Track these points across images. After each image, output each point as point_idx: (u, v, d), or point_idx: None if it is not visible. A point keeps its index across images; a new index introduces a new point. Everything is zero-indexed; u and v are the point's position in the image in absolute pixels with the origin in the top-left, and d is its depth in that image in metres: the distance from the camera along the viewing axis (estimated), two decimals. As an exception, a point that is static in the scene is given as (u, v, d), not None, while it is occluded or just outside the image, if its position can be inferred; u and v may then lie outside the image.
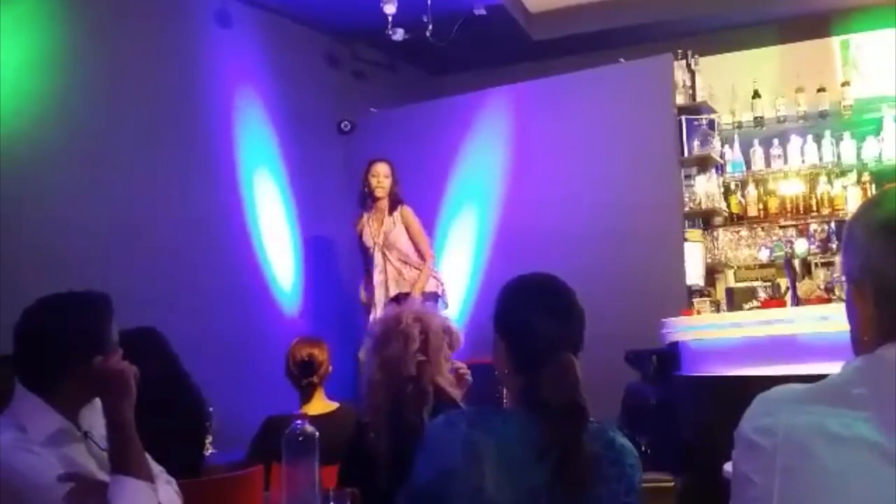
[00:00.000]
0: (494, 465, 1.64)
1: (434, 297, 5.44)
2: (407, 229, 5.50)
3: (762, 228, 6.04)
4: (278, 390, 3.65)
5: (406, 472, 1.78)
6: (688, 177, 5.87)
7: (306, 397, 3.45)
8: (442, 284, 5.55)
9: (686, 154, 5.83)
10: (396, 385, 2.43)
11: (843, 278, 1.15)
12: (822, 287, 4.48)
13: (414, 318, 2.51)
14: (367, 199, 5.52)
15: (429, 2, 5.80)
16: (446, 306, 5.54)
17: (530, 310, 1.79)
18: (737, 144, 6.27)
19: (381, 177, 5.47)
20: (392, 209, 5.48)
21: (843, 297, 1.15)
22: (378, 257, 5.45)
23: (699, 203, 5.83)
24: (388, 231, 5.45)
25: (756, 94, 6.27)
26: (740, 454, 1.07)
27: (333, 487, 2.28)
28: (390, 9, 5.52)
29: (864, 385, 1.00)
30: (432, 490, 1.69)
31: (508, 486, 1.63)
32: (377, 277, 5.45)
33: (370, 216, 5.52)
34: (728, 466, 2.94)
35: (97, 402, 1.86)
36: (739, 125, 6.32)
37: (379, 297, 5.42)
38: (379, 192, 5.46)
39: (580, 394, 1.69)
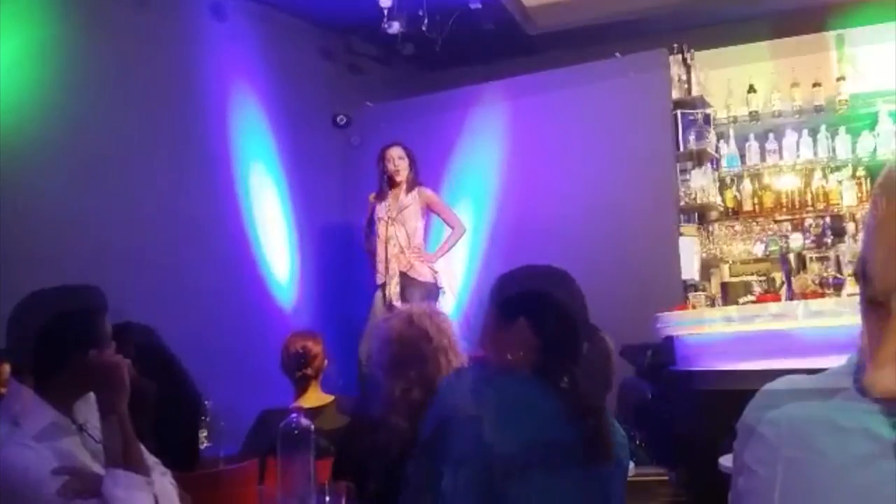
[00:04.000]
0: (496, 415, 1.67)
1: (435, 288, 5.44)
2: (431, 208, 5.61)
3: (757, 223, 6.05)
4: (274, 384, 3.66)
5: None
6: (683, 171, 5.88)
7: (301, 390, 3.45)
8: (437, 273, 5.55)
9: (681, 149, 5.83)
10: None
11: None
12: (816, 281, 4.49)
13: (438, 331, 2.47)
14: (385, 187, 5.56)
15: (424, -5, 5.79)
16: (444, 293, 5.54)
17: (567, 292, 1.84)
18: (732, 139, 6.26)
19: (396, 159, 5.52)
20: (409, 189, 5.54)
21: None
22: (389, 230, 5.47)
23: (694, 198, 5.83)
24: (403, 207, 5.50)
25: (751, 89, 6.26)
26: (743, 444, 1.07)
27: (328, 481, 2.28)
28: (386, 2, 5.51)
29: None
30: (436, 437, 1.72)
31: (508, 436, 1.66)
32: (381, 251, 5.47)
33: (388, 195, 5.56)
34: (724, 460, 2.94)
35: (92, 395, 1.85)
36: (735, 120, 6.32)
37: (380, 270, 5.46)
38: (398, 177, 5.52)
39: (613, 370, 1.75)
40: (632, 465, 3.50)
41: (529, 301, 1.84)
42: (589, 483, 1.71)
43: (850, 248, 5.14)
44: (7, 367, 2.07)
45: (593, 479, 1.71)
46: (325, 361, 3.49)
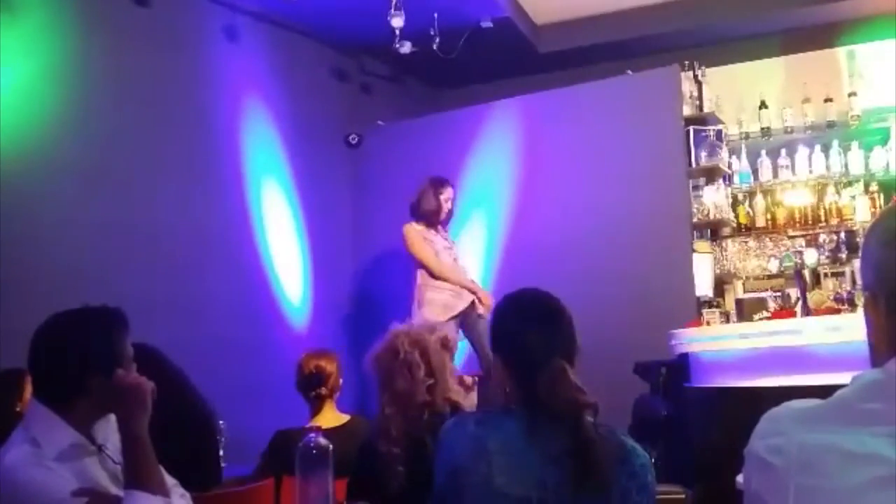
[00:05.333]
0: (501, 458, 1.69)
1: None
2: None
3: (770, 239, 6.03)
4: (288, 404, 3.66)
5: (424, 494, 1.81)
6: (696, 188, 5.87)
7: (316, 410, 3.45)
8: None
9: (694, 165, 5.83)
10: (413, 415, 2.41)
11: (862, 288, 1.16)
12: (832, 297, 4.47)
13: (410, 343, 2.49)
14: (431, 216, 5.54)
15: (435, 15, 5.84)
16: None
17: (518, 323, 1.87)
18: (744, 155, 6.26)
19: (451, 201, 5.59)
20: (446, 225, 5.65)
21: (862, 307, 1.15)
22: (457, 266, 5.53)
23: (707, 214, 5.82)
24: (453, 244, 5.63)
25: (763, 105, 6.27)
26: (752, 473, 1.07)
27: (345, 500, 2.29)
28: (398, 22, 5.54)
29: (876, 400, 1.00)
30: (447, 489, 1.74)
31: (516, 478, 1.67)
32: (461, 277, 5.48)
33: (435, 229, 5.58)
34: (741, 478, 2.93)
35: (112, 415, 1.86)
36: (746, 136, 6.32)
37: (459, 296, 5.40)
38: (447, 215, 5.61)
39: (577, 396, 1.74)
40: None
41: (493, 336, 1.91)
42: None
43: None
44: (29, 387, 2.08)
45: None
46: (340, 380, 3.50)
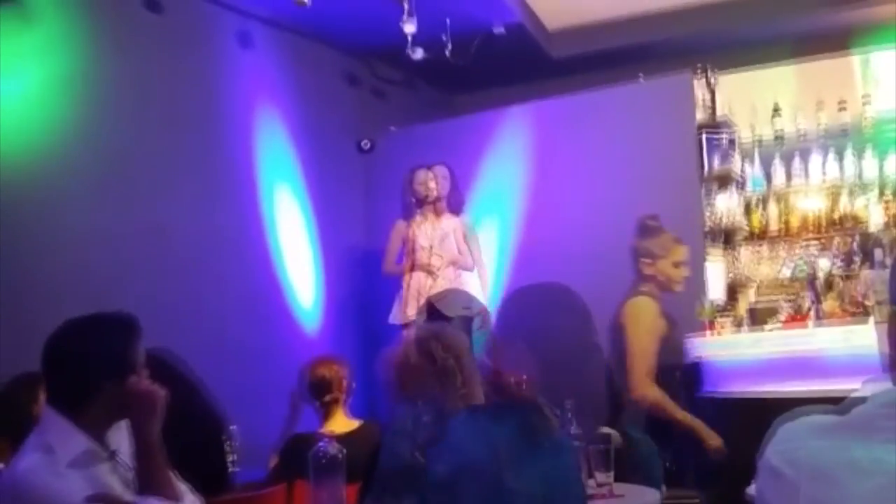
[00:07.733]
0: (507, 452, 1.69)
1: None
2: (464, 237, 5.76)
3: (783, 245, 6.00)
4: (302, 409, 3.66)
5: None
6: (708, 193, 5.85)
7: (327, 415, 3.45)
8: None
9: (706, 171, 5.80)
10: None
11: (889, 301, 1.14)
12: (845, 304, 4.44)
13: (444, 349, 2.43)
14: (410, 206, 5.72)
15: (448, 21, 5.84)
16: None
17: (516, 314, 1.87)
18: (757, 161, 6.24)
19: (428, 183, 5.69)
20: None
21: (876, 316, 1.15)
22: (432, 260, 5.56)
23: (720, 220, 5.80)
24: (444, 235, 5.66)
25: (776, 110, 6.24)
26: (764, 483, 1.06)
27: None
28: (410, 28, 5.55)
29: (894, 417, 1.00)
30: (453, 484, 1.73)
31: (522, 472, 1.67)
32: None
33: (421, 219, 5.70)
34: (752, 489, 2.91)
35: (124, 421, 1.87)
36: (760, 141, 6.30)
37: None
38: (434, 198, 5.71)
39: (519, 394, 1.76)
40: (663, 487, 3.48)
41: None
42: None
43: (879, 276, 5.05)
44: (42, 394, 2.10)
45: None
46: (353, 384, 3.49)
